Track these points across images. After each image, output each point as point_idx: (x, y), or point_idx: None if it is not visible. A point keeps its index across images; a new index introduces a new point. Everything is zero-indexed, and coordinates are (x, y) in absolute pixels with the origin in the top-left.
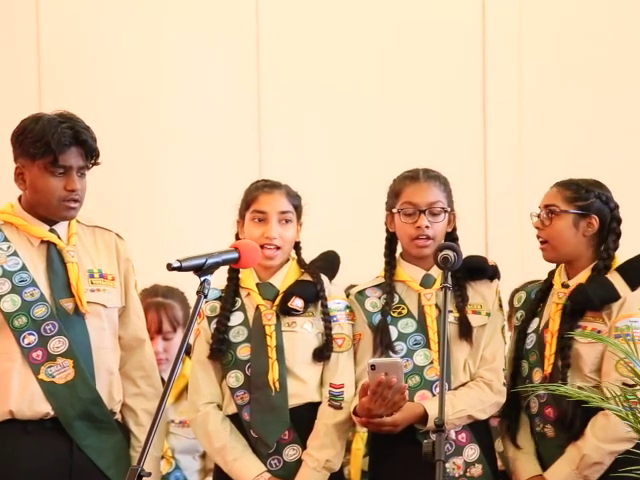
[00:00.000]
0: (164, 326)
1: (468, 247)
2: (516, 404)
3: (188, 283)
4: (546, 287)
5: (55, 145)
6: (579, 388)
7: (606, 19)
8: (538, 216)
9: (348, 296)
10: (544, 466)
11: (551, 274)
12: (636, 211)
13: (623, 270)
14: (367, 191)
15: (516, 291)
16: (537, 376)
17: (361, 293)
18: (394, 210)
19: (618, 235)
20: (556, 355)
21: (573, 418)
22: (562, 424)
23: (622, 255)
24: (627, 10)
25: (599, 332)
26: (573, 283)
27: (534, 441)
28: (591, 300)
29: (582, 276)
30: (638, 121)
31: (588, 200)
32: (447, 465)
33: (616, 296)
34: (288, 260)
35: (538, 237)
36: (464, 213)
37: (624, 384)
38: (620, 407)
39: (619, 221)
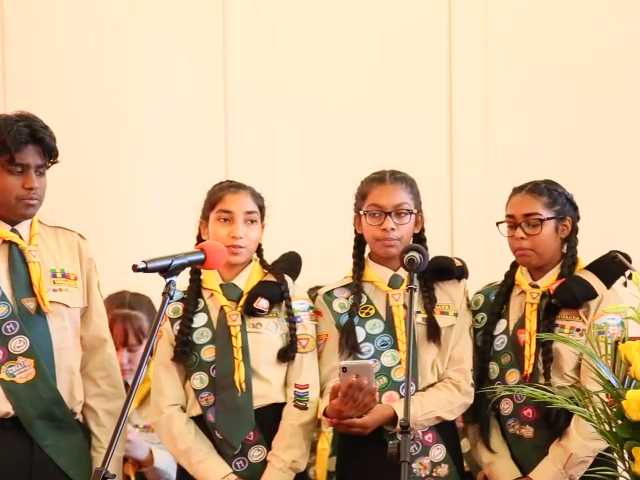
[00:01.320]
0: (130, 339)
1: (434, 248)
2: (485, 407)
3: (154, 283)
4: (507, 288)
5: (11, 143)
6: (559, 387)
7: (574, 18)
8: (515, 226)
9: (316, 297)
10: (521, 468)
11: (508, 275)
12: (597, 211)
13: (596, 269)
14: (334, 192)
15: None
16: (512, 377)
17: (329, 294)
18: (361, 212)
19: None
20: (536, 355)
21: (557, 416)
22: (546, 422)
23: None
24: (596, 8)
25: (578, 330)
26: (542, 283)
27: (507, 443)
28: (576, 298)
29: (551, 276)
30: (603, 120)
31: (561, 203)
32: (414, 465)
33: (594, 294)
34: (251, 261)
35: (518, 247)
36: (430, 214)
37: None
38: (584, 408)
39: (579, 219)
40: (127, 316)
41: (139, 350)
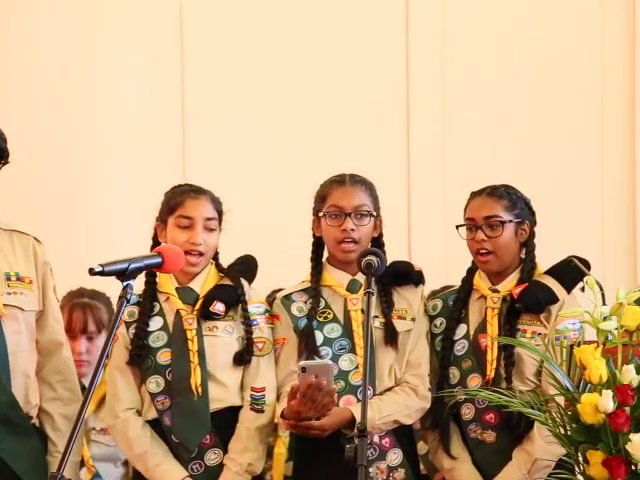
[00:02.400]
0: (89, 326)
1: (392, 252)
2: (445, 413)
3: (111, 288)
4: (465, 293)
5: None
6: (520, 392)
7: (529, 23)
8: (475, 228)
9: (274, 300)
10: (482, 473)
11: (466, 280)
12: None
13: (556, 273)
14: (292, 195)
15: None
16: (474, 382)
17: (287, 297)
18: (320, 214)
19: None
20: (498, 360)
21: (519, 420)
22: (508, 427)
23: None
24: (551, 13)
25: (539, 334)
26: (502, 288)
27: (468, 449)
28: (540, 303)
29: (511, 281)
30: (559, 126)
31: (520, 207)
32: (370, 469)
33: (556, 298)
34: (207, 265)
35: (479, 250)
36: (388, 219)
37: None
38: (540, 412)
39: (536, 224)
40: (87, 304)
41: (98, 341)
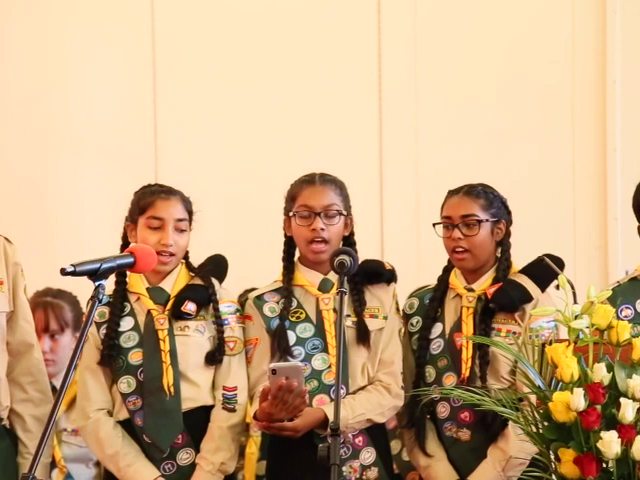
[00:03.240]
0: (51, 324)
1: (364, 251)
2: (421, 411)
3: (84, 288)
4: (441, 292)
5: None
6: (495, 390)
7: (504, 23)
8: (452, 227)
9: (246, 301)
10: (457, 471)
11: (442, 279)
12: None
13: (531, 272)
14: (263, 195)
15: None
16: (449, 380)
17: (259, 298)
18: (290, 214)
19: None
20: (473, 358)
21: (494, 418)
22: (483, 425)
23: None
24: (523, 14)
25: (514, 333)
26: (477, 287)
27: (443, 447)
28: (514, 302)
29: (486, 280)
30: (530, 126)
31: (496, 206)
32: (344, 468)
33: (530, 297)
34: (177, 264)
35: (455, 248)
36: (360, 217)
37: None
38: (512, 411)
39: (512, 224)
40: (49, 303)
41: (62, 340)
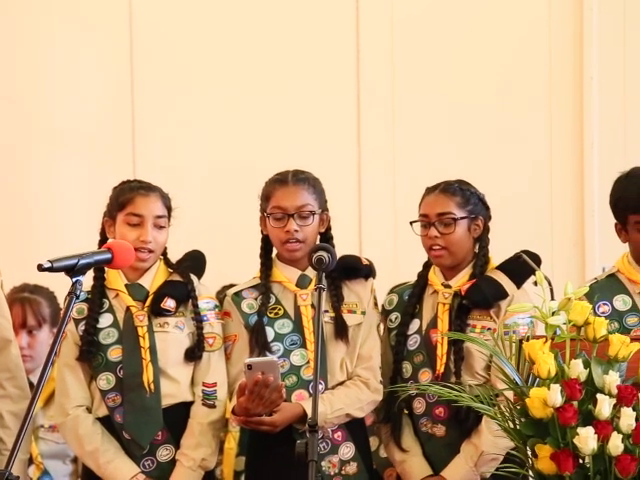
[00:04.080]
0: (28, 320)
1: (342, 246)
2: (398, 406)
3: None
4: (420, 288)
5: None
6: (470, 386)
7: (481, 23)
8: (429, 225)
9: (224, 297)
10: (432, 466)
11: (421, 275)
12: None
13: (507, 269)
14: (242, 190)
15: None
16: (425, 376)
17: (237, 294)
18: (265, 214)
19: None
20: (447, 354)
21: (467, 414)
22: (456, 420)
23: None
24: (500, 16)
25: (489, 329)
26: (454, 283)
27: (419, 442)
28: (487, 299)
29: (463, 276)
30: (508, 122)
31: (473, 203)
32: (322, 463)
33: (505, 294)
34: (156, 261)
35: (432, 246)
36: (338, 213)
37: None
38: (489, 407)
39: (490, 219)
40: (26, 298)
41: (39, 335)
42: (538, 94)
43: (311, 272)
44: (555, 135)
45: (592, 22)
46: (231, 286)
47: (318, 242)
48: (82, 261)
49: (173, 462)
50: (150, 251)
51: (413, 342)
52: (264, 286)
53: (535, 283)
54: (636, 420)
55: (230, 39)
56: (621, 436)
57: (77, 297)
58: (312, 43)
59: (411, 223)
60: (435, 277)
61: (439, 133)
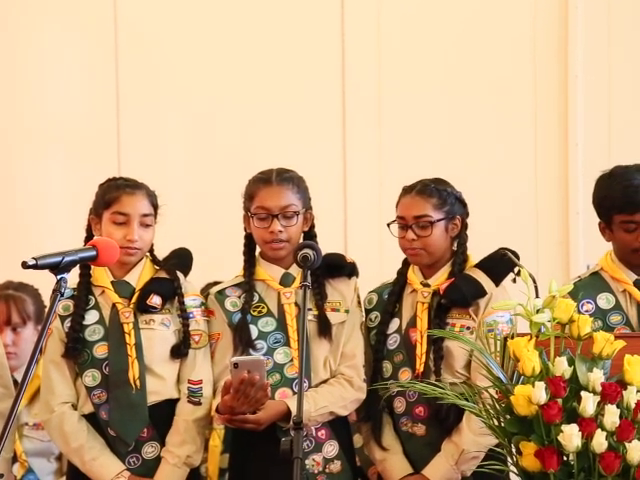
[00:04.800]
0: (13, 317)
1: (327, 245)
2: (378, 405)
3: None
4: (399, 287)
5: None
6: (451, 384)
7: (466, 24)
8: (406, 227)
9: (208, 296)
10: (413, 465)
11: (400, 274)
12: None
13: (485, 267)
14: (227, 188)
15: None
16: (405, 376)
17: (221, 292)
18: (249, 213)
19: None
20: (427, 354)
21: (447, 413)
22: (437, 420)
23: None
24: (485, 17)
25: (468, 328)
26: (433, 282)
27: (400, 441)
28: (466, 298)
29: (442, 275)
30: (493, 120)
31: (450, 203)
32: (306, 462)
33: (483, 292)
34: (142, 258)
35: (407, 248)
36: (323, 212)
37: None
38: (474, 404)
39: (468, 216)
40: (10, 296)
41: (23, 332)
42: (523, 93)
43: (295, 270)
44: (540, 134)
45: (577, 20)
46: (214, 284)
47: (302, 240)
48: (67, 258)
49: (158, 459)
50: (136, 249)
51: (393, 341)
52: (247, 284)
53: (514, 280)
54: (620, 417)
55: (215, 38)
56: (605, 433)
57: (62, 294)
58: (297, 42)
59: (388, 225)
60: (414, 276)
61: (425, 132)
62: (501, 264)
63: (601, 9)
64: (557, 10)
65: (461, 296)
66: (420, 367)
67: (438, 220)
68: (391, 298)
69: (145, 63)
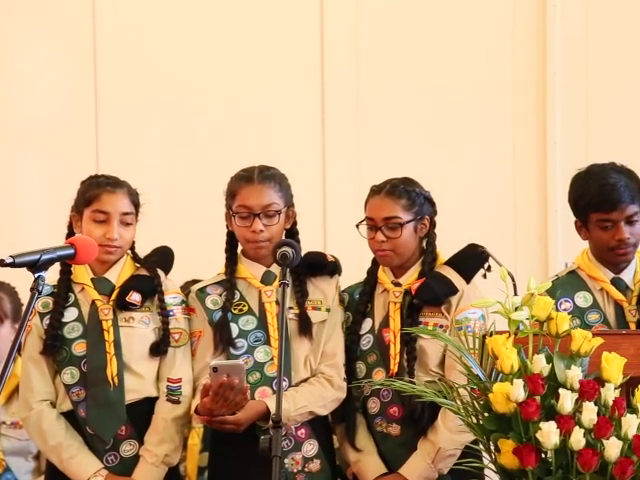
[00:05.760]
0: None
1: (307, 243)
2: (352, 406)
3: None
4: (370, 287)
5: None
6: (427, 383)
7: (446, 26)
8: (375, 228)
9: (189, 294)
10: (387, 466)
11: (370, 273)
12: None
13: (455, 264)
14: (208, 186)
15: None
16: (379, 376)
17: (202, 290)
18: (231, 211)
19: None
20: (401, 354)
21: (422, 412)
22: (411, 419)
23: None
24: (465, 9)
25: (441, 326)
26: (404, 281)
27: (374, 441)
28: (438, 296)
29: (412, 274)
30: (472, 119)
31: (419, 204)
32: (286, 461)
33: (455, 290)
34: (123, 255)
35: (378, 249)
36: (303, 210)
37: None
38: (452, 401)
39: (437, 214)
40: None
41: (1, 330)
42: (501, 92)
43: (276, 268)
44: (518, 132)
45: (555, 18)
46: (194, 282)
47: (283, 238)
48: (45, 256)
49: (136, 457)
50: (116, 248)
51: (366, 342)
52: (229, 282)
53: (484, 276)
54: (598, 415)
55: (194, 36)
56: (583, 431)
57: (39, 293)
58: (276, 42)
59: (357, 225)
60: (385, 275)
61: (403, 130)
62: (471, 260)
63: (579, 8)
64: (536, 8)
65: (433, 295)
66: (394, 367)
67: (407, 222)
68: (362, 298)
69: (124, 61)
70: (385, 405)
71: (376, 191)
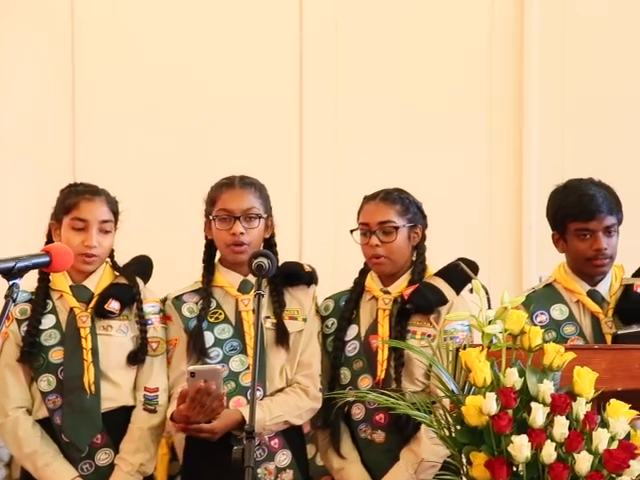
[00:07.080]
0: None
1: (283, 253)
2: (336, 413)
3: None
4: (357, 294)
5: None
6: (411, 392)
7: (421, 26)
8: (369, 233)
9: (165, 301)
10: (371, 473)
11: (358, 282)
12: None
13: (446, 275)
14: (186, 196)
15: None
16: (365, 383)
17: (178, 298)
18: (210, 217)
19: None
20: (388, 360)
21: (407, 421)
22: (397, 426)
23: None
24: (443, 12)
25: (429, 336)
26: (393, 290)
27: (357, 448)
28: (430, 303)
29: (402, 282)
30: (448, 131)
31: (413, 212)
32: (259, 470)
33: (445, 300)
34: (101, 264)
35: (373, 255)
36: (279, 220)
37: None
38: (426, 415)
39: (427, 227)
40: None
41: None
42: (478, 106)
43: (253, 277)
44: (495, 149)
45: (532, 34)
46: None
47: (262, 248)
48: (19, 264)
49: (112, 466)
50: (94, 256)
51: (352, 348)
52: (205, 290)
53: (471, 290)
54: (569, 429)
55: (173, 42)
56: (554, 444)
57: (14, 300)
58: (254, 48)
59: (351, 231)
60: (373, 283)
61: (381, 144)
62: (460, 273)
63: (557, 23)
64: (513, 25)
65: (426, 301)
66: (381, 374)
67: (402, 226)
68: (348, 305)
69: (102, 66)
70: (371, 411)
71: (370, 198)
